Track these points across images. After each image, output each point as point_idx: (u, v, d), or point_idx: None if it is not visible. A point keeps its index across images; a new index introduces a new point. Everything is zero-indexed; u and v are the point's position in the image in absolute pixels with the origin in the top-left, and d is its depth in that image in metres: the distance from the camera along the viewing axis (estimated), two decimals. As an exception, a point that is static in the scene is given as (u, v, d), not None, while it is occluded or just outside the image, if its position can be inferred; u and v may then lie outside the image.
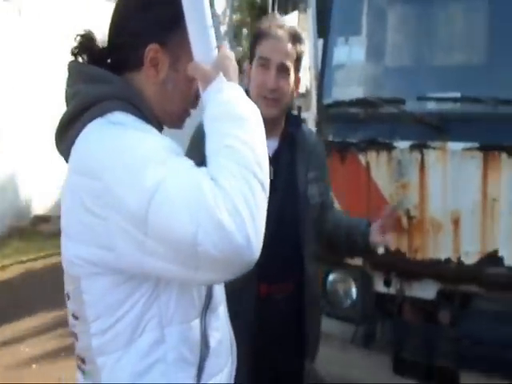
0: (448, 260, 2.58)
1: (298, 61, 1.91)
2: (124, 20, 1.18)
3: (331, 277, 2.93)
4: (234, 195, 0.95)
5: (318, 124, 2.81)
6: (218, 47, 1.16)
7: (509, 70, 2.48)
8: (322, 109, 2.80)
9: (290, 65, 1.87)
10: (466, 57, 2.73)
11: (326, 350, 2.20)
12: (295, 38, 1.89)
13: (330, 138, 2.75)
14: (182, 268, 0.98)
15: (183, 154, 1.09)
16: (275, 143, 1.93)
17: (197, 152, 1.18)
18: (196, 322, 1.16)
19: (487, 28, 2.65)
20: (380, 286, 2.81)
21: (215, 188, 0.96)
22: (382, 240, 1.95)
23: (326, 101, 2.80)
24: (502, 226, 2.42)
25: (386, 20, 2.86)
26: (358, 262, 2.81)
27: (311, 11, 2.78)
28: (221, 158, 1.00)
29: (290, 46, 1.86)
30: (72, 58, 1.19)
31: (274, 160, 1.84)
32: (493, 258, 2.47)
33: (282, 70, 1.85)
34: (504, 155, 2.35)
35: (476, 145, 2.40)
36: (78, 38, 1.18)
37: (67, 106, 1.16)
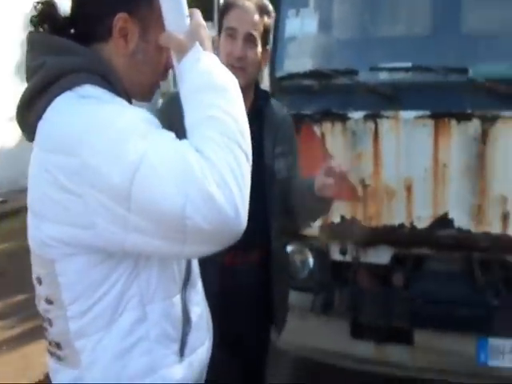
0: (401, 225, 2.69)
1: (265, 33, 1.92)
2: None
3: (288, 249, 2.97)
4: (220, 166, 0.95)
5: (272, 96, 2.81)
6: (190, 14, 1.12)
7: (455, 39, 2.60)
8: (275, 81, 2.81)
9: (257, 35, 1.87)
10: (415, 27, 2.82)
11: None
12: (263, 10, 1.90)
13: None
14: (169, 242, 0.97)
15: (161, 126, 1.06)
16: None
17: (166, 126, 1.14)
18: (177, 298, 1.15)
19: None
20: (336, 255, 2.89)
21: (201, 159, 0.95)
22: (324, 181, 1.79)
23: (279, 73, 2.81)
24: (452, 189, 2.55)
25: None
26: (314, 232, 2.88)
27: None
28: (204, 129, 0.99)
29: (257, 17, 1.87)
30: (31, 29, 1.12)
31: None
32: (443, 221, 2.60)
33: (249, 40, 1.86)
34: (454, 122, 2.46)
35: (427, 113, 2.50)
36: (39, 5, 1.10)
37: (28, 80, 1.09)
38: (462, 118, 2.45)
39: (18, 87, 1.09)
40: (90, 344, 1.07)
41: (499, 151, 2.44)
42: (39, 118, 1.05)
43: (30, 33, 1.11)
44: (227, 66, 1.84)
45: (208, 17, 3.18)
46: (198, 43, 1.08)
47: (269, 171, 1.96)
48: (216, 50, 1.91)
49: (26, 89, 1.08)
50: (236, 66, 1.84)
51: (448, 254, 2.69)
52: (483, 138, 2.44)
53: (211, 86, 1.03)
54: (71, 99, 1.03)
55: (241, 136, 1.01)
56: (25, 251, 1.14)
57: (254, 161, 1.89)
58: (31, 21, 1.11)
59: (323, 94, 2.67)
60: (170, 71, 1.19)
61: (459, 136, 2.47)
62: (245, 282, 1.96)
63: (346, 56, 2.78)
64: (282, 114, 2.08)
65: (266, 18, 1.89)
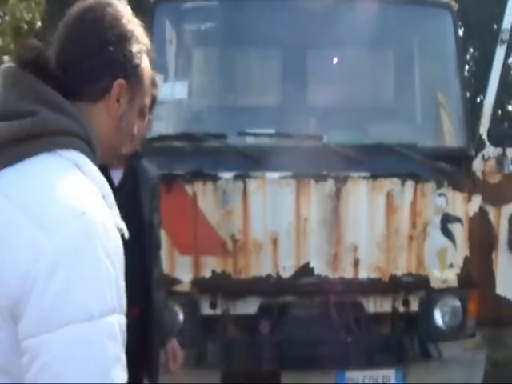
0: (268, 276, 2.91)
1: (152, 104, 2.02)
2: (98, 48, 1.08)
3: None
4: None
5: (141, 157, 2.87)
6: None
7: (312, 110, 2.98)
8: (146, 142, 2.86)
9: (147, 107, 1.95)
10: (278, 98, 3.14)
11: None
12: (151, 81, 1.99)
13: (156, 171, 2.84)
14: None
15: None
16: (120, 174, 2.06)
17: None
18: None
19: (284, 76, 3.12)
20: (206, 309, 2.98)
21: None
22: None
23: (149, 135, 2.88)
24: (312, 241, 2.86)
25: (206, 63, 3.10)
26: (184, 288, 2.94)
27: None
28: None
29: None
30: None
31: (120, 189, 2.00)
32: (305, 270, 2.89)
33: (139, 112, 1.93)
34: (312, 181, 2.80)
35: (290, 174, 2.81)
36: (32, 48, 1.04)
37: (3, 116, 1.00)
38: (319, 178, 2.80)
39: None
40: None
41: (350, 207, 2.83)
42: (9, 165, 0.98)
43: (17, 69, 1.04)
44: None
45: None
46: None
47: (147, 225, 2.08)
48: None
49: (6, 127, 0.98)
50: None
51: (309, 300, 2.97)
52: (337, 195, 2.81)
53: None
54: (60, 166, 0.98)
55: None
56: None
57: (131, 215, 1.99)
58: (19, 57, 1.04)
59: (194, 156, 2.81)
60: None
61: (317, 194, 2.82)
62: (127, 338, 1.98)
63: (215, 121, 2.97)
64: (154, 172, 2.24)
65: (154, 90, 1.98)
